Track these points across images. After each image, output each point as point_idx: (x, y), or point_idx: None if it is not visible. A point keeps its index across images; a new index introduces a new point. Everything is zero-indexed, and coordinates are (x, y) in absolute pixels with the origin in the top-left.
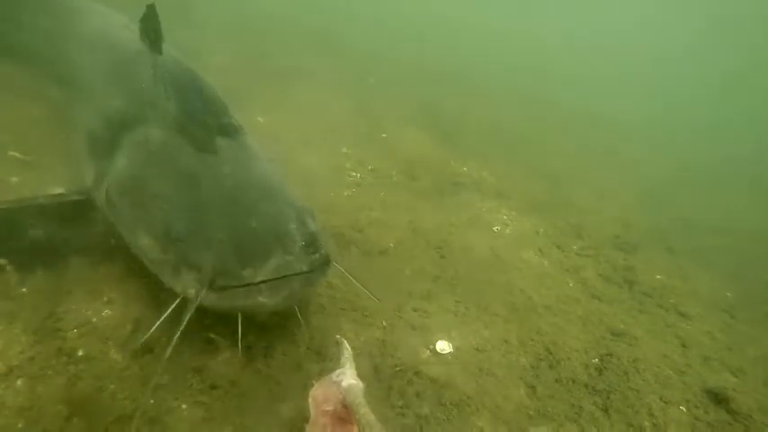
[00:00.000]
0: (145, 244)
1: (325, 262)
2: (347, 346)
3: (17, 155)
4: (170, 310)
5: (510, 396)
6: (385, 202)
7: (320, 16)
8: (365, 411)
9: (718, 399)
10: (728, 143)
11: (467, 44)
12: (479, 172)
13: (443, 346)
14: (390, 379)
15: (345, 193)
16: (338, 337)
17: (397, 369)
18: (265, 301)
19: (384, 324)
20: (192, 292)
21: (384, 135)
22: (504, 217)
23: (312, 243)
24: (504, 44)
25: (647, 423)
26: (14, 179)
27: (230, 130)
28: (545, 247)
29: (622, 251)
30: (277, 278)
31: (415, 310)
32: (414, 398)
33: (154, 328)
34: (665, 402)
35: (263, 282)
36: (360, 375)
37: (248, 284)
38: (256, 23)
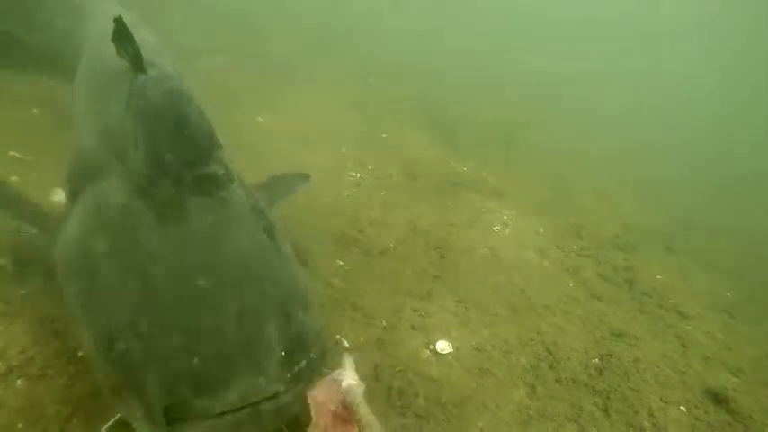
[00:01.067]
0: (86, 341)
1: (314, 369)
2: (347, 345)
3: (17, 155)
4: (109, 424)
5: (510, 396)
6: (385, 202)
7: (320, 16)
8: (365, 411)
9: (719, 399)
10: (730, 143)
11: (467, 44)
12: (479, 172)
13: (443, 346)
14: (390, 379)
15: (345, 194)
16: (338, 336)
17: (397, 369)
18: None
19: (384, 324)
20: (136, 424)
21: (384, 135)
22: (505, 217)
23: (296, 349)
24: (504, 44)
25: (647, 423)
26: (14, 178)
27: (211, 183)
28: (545, 248)
29: (622, 251)
30: (242, 408)
31: (414, 310)
32: (414, 398)
33: None
34: (665, 402)
35: (223, 414)
36: (360, 376)
37: (202, 419)
38: (256, 23)
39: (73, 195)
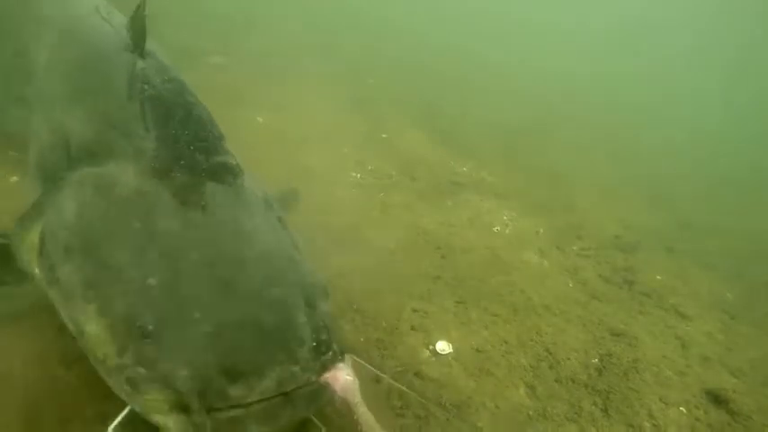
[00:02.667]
0: (91, 332)
1: (339, 360)
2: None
3: (17, 154)
4: (120, 417)
5: (510, 396)
6: (385, 202)
7: (320, 16)
8: (364, 411)
9: (718, 400)
10: (730, 143)
11: (467, 44)
12: (479, 172)
13: (443, 347)
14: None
15: (346, 194)
16: None
17: (397, 369)
18: (259, 429)
19: (384, 324)
20: (157, 418)
21: (384, 135)
22: (504, 217)
23: (324, 339)
24: (503, 42)
25: (646, 424)
26: (14, 179)
27: (225, 173)
28: (545, 248)
29: (622, 251)
30: (276, 396)
31: (414, 311)
32: (413, 398)
33: None
34: (665, 403)
35: (258, 402)
36: (359, 376)
37: (236, 407)
38: (256, 23)
39: (52, 180)
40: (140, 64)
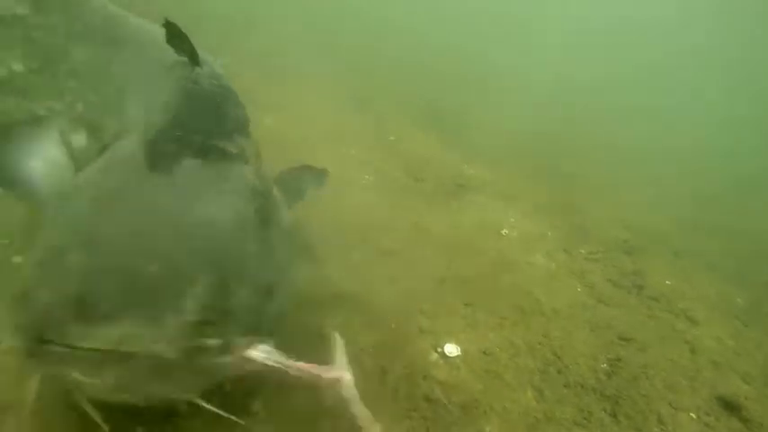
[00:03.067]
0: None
1: (225, 352)
2: (338, 337)
3: None
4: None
5: (518, 400)
6: (391, 203)
7: (319, 16)
8: (361, 407)
9: (730, 406)
10: (734, 143)
11: (466, 43)
12: (485, 174)
13: (451, 349)
14: (398, 381)
15: (350, 195)
16: (335, 333)
17: (405, 371)
18: (83, 377)
19: (392, 326)
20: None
21: (391, 138)
22: (512, 219)
23: (217, 323)
24: (503, 42)
25: (656, 429)
26: None
27: (217, 155)
28: (553, 251)
29: (630, 255)
30: (109, 351)
31: (422, 313)
32: (421, 400)
33: None
34: (675, 409)
35: (92, 350)
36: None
37: (68, 346)
38: (256, 23)
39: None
40: (196, 69)
